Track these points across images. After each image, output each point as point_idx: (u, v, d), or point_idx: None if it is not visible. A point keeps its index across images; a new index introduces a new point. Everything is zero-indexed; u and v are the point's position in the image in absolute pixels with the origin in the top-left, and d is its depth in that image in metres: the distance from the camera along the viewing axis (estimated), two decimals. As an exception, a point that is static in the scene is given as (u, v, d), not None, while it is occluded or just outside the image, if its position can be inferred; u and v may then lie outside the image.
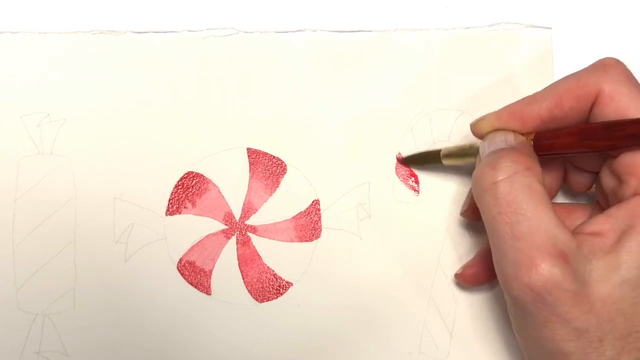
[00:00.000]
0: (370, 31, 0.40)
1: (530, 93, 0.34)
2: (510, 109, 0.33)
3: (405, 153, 0.39)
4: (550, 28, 0.40)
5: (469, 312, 0.38)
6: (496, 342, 0.38)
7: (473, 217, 0.37)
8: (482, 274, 0.37)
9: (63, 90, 0.39)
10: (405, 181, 0.39)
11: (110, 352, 0.38)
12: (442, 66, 0.40)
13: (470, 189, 0.36)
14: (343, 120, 0.39)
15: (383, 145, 0.39)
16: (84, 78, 0.39)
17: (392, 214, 0.39)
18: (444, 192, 0.39)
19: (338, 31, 0.40)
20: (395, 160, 0.39)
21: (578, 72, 0.32)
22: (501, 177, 0.30)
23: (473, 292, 0.38)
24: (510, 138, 0.32)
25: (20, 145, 0.38)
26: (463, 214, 0.38)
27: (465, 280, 0.38)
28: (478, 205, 0.31)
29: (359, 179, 0.39)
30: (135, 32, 0.40)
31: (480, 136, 0.34)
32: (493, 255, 0.31)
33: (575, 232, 0.31)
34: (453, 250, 0.39)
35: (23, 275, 0.38)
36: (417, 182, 0.39)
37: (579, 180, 0.36)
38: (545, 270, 0.28)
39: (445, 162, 0.37)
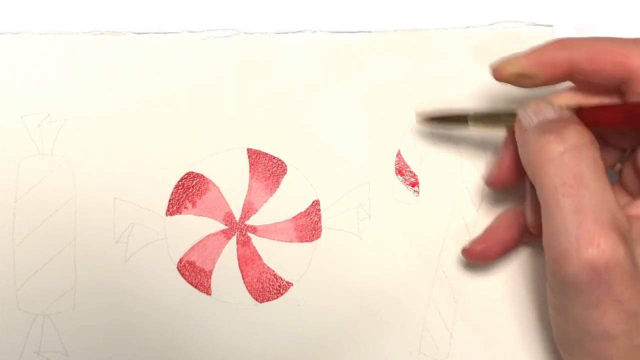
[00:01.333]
0: (370, 31, 0.40)
1: (531, 92, 0.34)
2: (540, 50, 0.32)
3: (405, 150, 0.39)
4: (551, 26, 0.40)
5: (469, 312, 0.38)
6: (496, 342, 0.38)
7: (502, 184, 0.36)
8: (491, 250, 0.36)
9: (63, 91, 0.39)
10: (405, 181, 0.39)
11: (111, 352, 0.38)
12: (442, 66, 0.40)
13: (501, 157, 0.35)
14: (343, 120, 0.39)
15: (383, 145, 0.39)
16: (84, 79, 0.39)
17: (392, 214, 0.39)
18: (444, 192, 0.39)
19: (338, 32, 0.40)
20: (394, 161, 0.39)
21: (623, 39, 0.31)
22: (568, 147, 0.29)
23: (473, 292, 0.38)
24: (558, 109, 0.32)
25: (21, 145, 0.39)
26: (491, 183, 0.37)
27: (472, 255, 0.37)
28: (535, 175, 0.30)
29: (359, 179, 0.39)
30: (135, 33, 0.40)
31: (504, 79, 0.33)
32: (548, 229, 0.29)
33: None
34: (453, 250, 0.38)
35: (23, 275, 0.38)
36: (417, 182, 0.39)
37: (607, 156, 0.34)
38: (609, 248, 0.28)
39: (473, 126, 0.35)
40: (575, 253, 0.28)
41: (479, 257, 0.37)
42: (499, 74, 0.34)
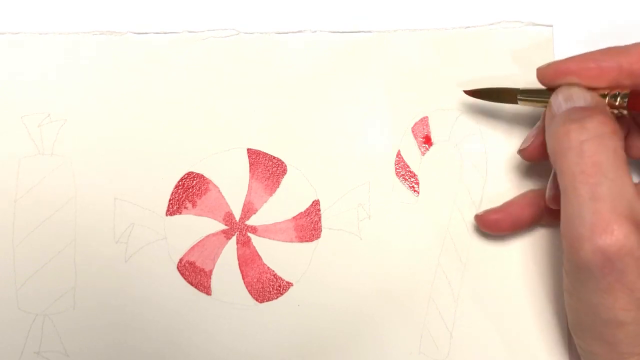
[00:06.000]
0: (370, 31, 0.40)
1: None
2: (588, 56, 0.33)
3: (405, 150, 0.39)
4: (551, 26, 0.40)
5: (469, 312, 0.38)
6: (496, 342, 0.38)
7: (532, 157, 0.36)
8: (504, 222, 0.37)
9: (63, 91, 0.39)
10: (405, 181, 0.39)
11: (111, 352, 0.38)
12: (442, 66, 0.40)
13: (537, 127, 0.35)
14: (343, 120, 0.39)
15: (383, 145, 0.39)
16: (84, 79, 0.39)
17: (392, 214, 0.39)
18: (444, 192, 0.39)
19: (338, 32, 0.40)
20: (394, 160, 0.39)
21: None
22: (589, 137, 0.30)
23: (473, 292, 0.38)
24: (589, 97, 0.32)
25: (21, 145, 0.39)
26: (523, 151, 0.37)
27: (485, 224, 0.37)
28: (556, 161, 0.31)
29: (359, 179, 0.39)
30: (135, 33, 0.40)
31: (546, 83, 0.34)
32: (565, 214, 0.30)
33: None
34: (453, 250, 0.38)
35: (23, 275, 0.38)
36: (417, 182, 0.39)
37: (639, 144, 0.35)
38: (622, 236, 0.28)
39: (521, 102, 0.36)
40: (589, 239, 0.29)
41: (491, 226, 0.37)
42: (545, 75, 0.34)
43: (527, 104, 0.36)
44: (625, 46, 0.33)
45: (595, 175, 0.29)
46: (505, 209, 0.37)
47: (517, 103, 0.36)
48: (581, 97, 0.32)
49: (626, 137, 0.35)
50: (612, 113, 0.32)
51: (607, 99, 0.32)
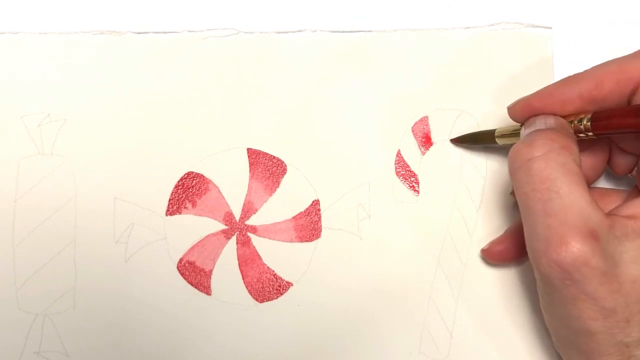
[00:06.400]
0: (370, 31, 0.40)
1: (531, 93, 0.34)
2: (549, 90, 0.33)
3: (405, 150, 0.39)
4: (551, 28, 0.40)
5: (469, 312, 0.38)
6: (496, 342, 0.38)
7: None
8: (509, 251, 0.37)
9: (63, 91, 0.39)
10: (405, 181, 0.39)
11: (110, 352, 0.38)
12: (442, 66, 0.40)
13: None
14: (343, 120, 0.39)
15: (383, 145, 0.39)
16: (84, 78, 0.39)
17: (392, 214, 0.39)
18: (444, 192, 0.39)
19: (338, 31, 0.40)
20: (394, 160, 0.39)
21: (621, 57, 0.33)
22: (536, 154, 0.30)
23: (473, 293, 0.38)
24: (550, 120, 0.33)
25: (21, 145, 0.39)
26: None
27: (492, 256, 0.38)
28: (512, 182, 0.31)
29: (359, 179, 0.39)
30: (135, 33, 0.40)
31: (517, 119, 0.34)
32: (525, 231, 0.31)
33: (609, 214, 0.31)
34: (453, 250, 0.39)
35: (23, 275, 0.38)
36: (417, 182, 0.39)
37: (622, 162, 0.36)
38: (575, 248, 0.29)
39: (500, 141, 0.36)
40: (545, 253, 0.29)
41: (497, 257, 0.38)
42: (514, 113, 0.34)
43: (505, 141, 0.36)
44: (582, 73, 0.33)
45: (546, 191, 0.30)
46: (507, 238, 0.37)
47: (496, 143, 0.37)
48: (543, 122, 0.33)
49: (610, 157, 0.36)
50: (583, 137, 0.32)
51: (573, 124, 0.32)
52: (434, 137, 0.39)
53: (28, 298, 0.38)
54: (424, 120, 0.39)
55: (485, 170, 0.39)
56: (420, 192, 0.39)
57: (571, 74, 0.34)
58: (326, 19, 0.40)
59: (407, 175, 0.39)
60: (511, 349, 0.38)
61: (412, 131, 0.39)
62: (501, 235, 0.38)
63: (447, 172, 0.39)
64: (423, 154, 0.39)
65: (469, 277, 0.38)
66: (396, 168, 0.39)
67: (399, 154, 0.39)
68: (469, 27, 0.40)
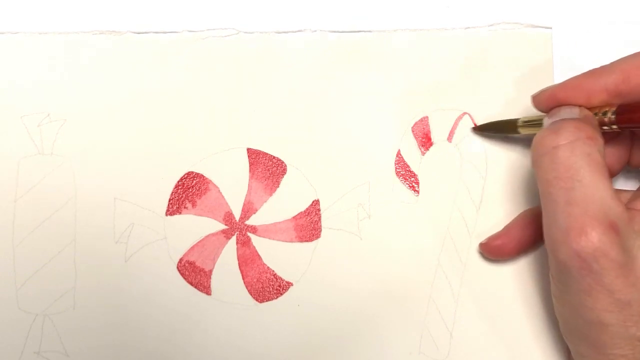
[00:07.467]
0: (370, 31, 0.40)
1: (531, 93, 0.35)
2: (574, 82, 0.33)
3: (405, 150, 0.39)
4: (551, 28, 0.40)
5: (469, 312, 0.38)
6: (496, 342, 0.38)
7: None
8: (507, 246, 0.37)
9: (63, 91, 0.39)
10: (405, 181, 0.39)
11: (111, 352, 0.38)
12: (442, 66, 0.40)
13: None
14: (343, 120, 0.39)
15: (383, 145, 0.39)
16: (84, 78, 0.39)
17: (392, 214, 0.39)
18: (444, 192, 0.39)
19: (338, 31, 0.40)
20: (394, 160, 0.39)
21: None
22: (562, 142, 0.30)
23: (473, 292, 0.38)
24: (575, 111, 0.33)
25: (21, 145, 0.39)
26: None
27: (489, 251, 0.38)
28: (535, 169, 0.31)
29: (359, 179, 0.39)
30: (135, 33, 0.40)
31: (542, 109, 0.34)
32: (544, 219, 0.31)
33: (627, 208, 0.31)
34: (453, 250, 0.39)
35: (23, 275, 0.38)
36: (417, 182, 0.39)
37: None
38: (595, 238, 0.29)
39: (523, 131, 0.36)
40: (565, 242, 0.29)
41: (495, 252, 0.38)
42: (538, 102, 0.34)
43: (527, 131, 0.36)
44: (608, 65, 0.33)
45: (569, 180, 0.30)
46: (506, 232, 0.38)
47: (517, 133, 0.37)
48: (568, 112, 0.33)
49: (631, 150, 0.36)
50: (607, 129, 0.32)
51: (597, 116, 0.32)
52: (434, 137, 0.39)
53: (28, 298, 0.38)
54: (424, 120, 0.39)
55: (485, 170, 0.39)
56: (420, 192, 0.39)
57: (571, 74, 0.34)
58: (326, 19, 0.40)
59: (407, 175, 0.39)
60: (511, 349, 0.38)
61: (412, 131, 0.39)
62: (500, 231, 0.38)
63: (447, 172, 0.39)
64: (423, 154, 0.39)
65: (469, 277, 0.38)
66: (396, 168, 0.39)
67: (399, 154, 0.39)
68: (469, 27, 0.40)
